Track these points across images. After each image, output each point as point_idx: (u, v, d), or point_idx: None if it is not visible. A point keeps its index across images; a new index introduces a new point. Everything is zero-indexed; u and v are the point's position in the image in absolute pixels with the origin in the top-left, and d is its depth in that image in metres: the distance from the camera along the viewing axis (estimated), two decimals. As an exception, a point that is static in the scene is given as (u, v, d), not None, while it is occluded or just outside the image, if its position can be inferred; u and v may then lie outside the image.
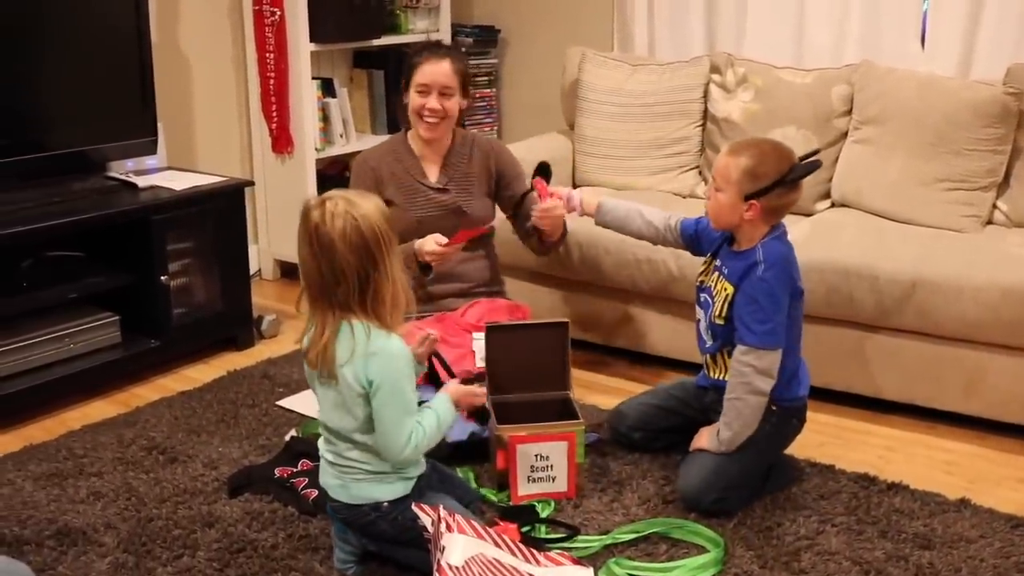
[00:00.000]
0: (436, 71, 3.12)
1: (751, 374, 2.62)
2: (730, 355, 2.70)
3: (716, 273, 2.77)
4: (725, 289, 2.70)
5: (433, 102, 3.12)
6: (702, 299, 2.82)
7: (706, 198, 2.77)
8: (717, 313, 2.71)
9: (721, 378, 2.76)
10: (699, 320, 2.84)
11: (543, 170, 3.17)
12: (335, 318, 2.24)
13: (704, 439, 2.75)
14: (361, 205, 2.22)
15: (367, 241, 2.19)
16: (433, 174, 3.25)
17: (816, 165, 2.69)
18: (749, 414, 2.66)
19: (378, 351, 2.23)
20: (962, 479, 2.93)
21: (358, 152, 4.55)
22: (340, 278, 2.20)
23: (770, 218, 2.68)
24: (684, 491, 2.71)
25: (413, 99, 3.16)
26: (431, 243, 3.04)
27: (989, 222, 3.58)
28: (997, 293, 3.04)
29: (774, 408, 2.71)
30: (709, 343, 2.80)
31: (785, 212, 2.72)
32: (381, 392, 2.24)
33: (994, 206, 3.58)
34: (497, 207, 3.39)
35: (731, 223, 2.70)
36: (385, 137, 4.57)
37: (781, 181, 2.62)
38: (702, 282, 2.84)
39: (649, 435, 2.98)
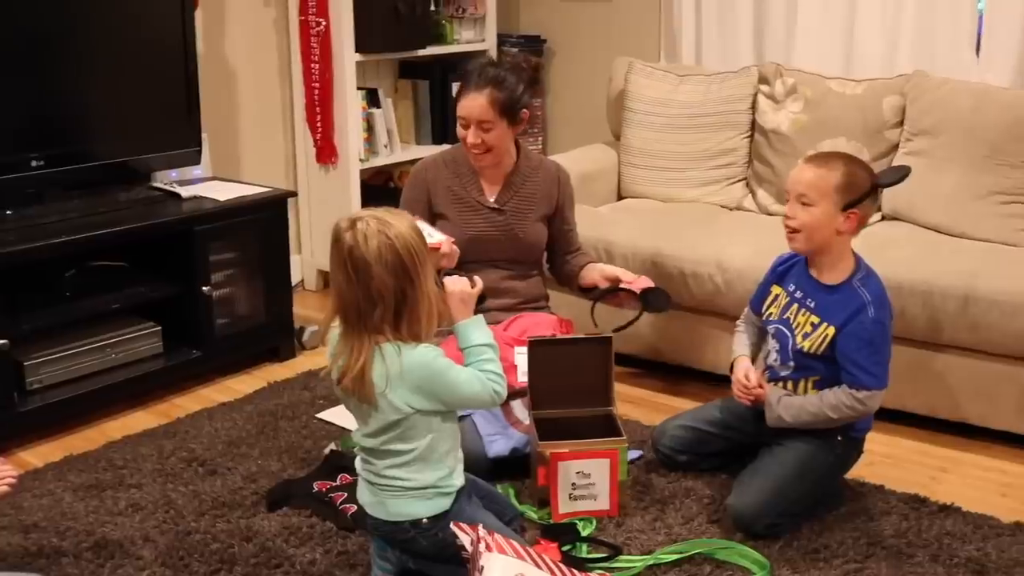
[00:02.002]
0: (472, 106, 2.99)
1: (854, 410, 2.58)
2: (815, 387, 2.66)
3: (795, 305, 2.70)
4: (821, 326, 2.62)
5: (473, 136, 3.03)
6: (773, 330, 2.76)
7: (786, 217, 2.65)
8: (809, 348, 2.64)
9: None
10: (769, 352, 2.78)
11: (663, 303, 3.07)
12: (369, 343, 2.20)
13: (770, 394, 2.69)
14: (393, 223, 2.18)
15: (403, 260, 2.16)
16: (491, 193, 3.16)
17: (905, 171, 2.67)
18: (813, 422, 2.62)
19: (409, 368, 2.20)
20: (1017, 501, 2.84)
21: (402, 163, 4.60)
22: (377, 300, 2.17)
23: (859, 230, 2.64)
24: (738, 511, 2.62)
25: (458, 128, 3.07)
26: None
27: (1046, 236, 3.49)
28: (1055, 310, 2.96)
29: (840, 439, 2.67)
30: (784, 372, 2.72)
31: (867, 223, 2.69)
32: (441, 398, 2.24)
33: (1051, 220, 3.49)
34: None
35: (825, 240, 2.61)
36: (430, 148, 4.59)
37: (876, 187, 2.60)
38: (770, 315, 2.78)
39: (695, 458, 2.92)
